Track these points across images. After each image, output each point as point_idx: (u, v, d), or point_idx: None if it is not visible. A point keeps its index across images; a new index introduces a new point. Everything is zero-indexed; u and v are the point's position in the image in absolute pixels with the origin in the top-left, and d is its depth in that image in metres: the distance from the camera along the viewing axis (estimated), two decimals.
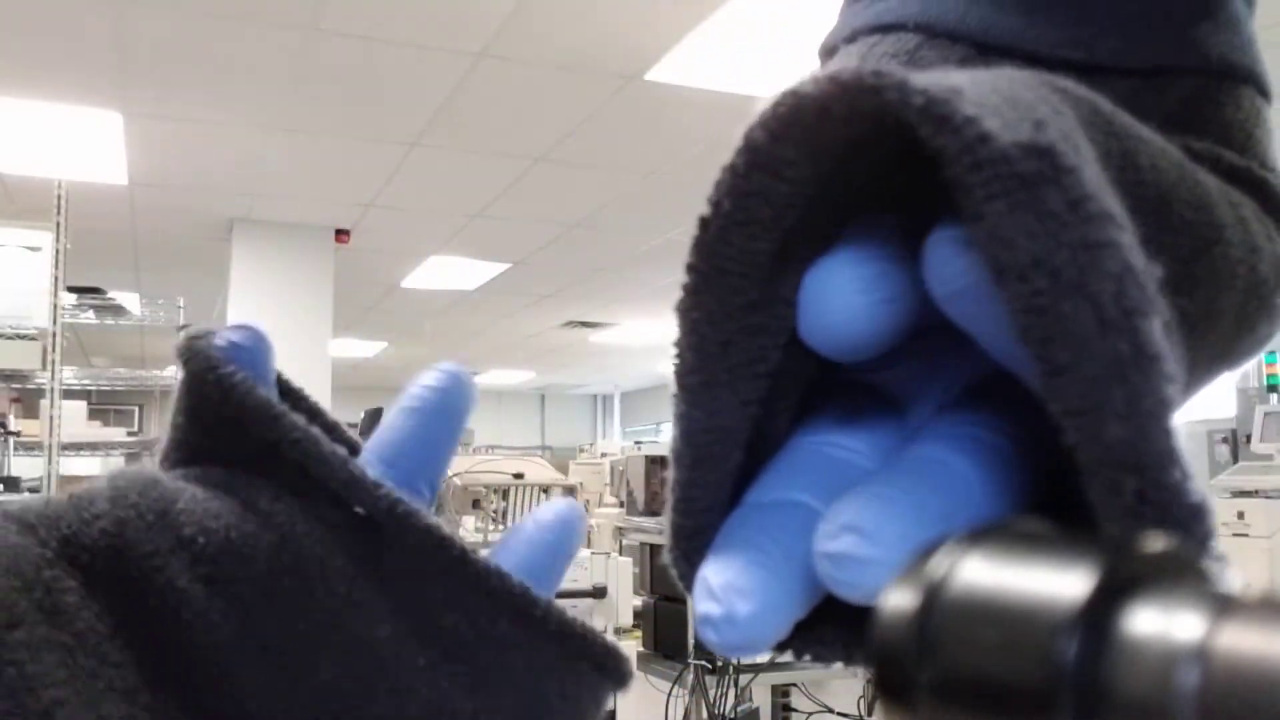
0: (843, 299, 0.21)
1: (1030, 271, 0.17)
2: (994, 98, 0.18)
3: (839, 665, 0.23)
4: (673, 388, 0.23)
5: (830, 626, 0.23)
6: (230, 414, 0.26)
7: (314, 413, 0.30)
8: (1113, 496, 0.17)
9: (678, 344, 0.22)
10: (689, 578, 0.23)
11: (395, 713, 0.25)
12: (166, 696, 0.24)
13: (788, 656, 0.23)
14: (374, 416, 4.30)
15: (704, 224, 0.21)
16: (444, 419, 0.30)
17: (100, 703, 0.23)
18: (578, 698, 0.27)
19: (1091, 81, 0.25)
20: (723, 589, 0.21)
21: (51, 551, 0.24)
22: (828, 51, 0.30)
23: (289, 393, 0.30)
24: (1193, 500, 0.17)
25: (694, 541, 0.23)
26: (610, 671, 0.27)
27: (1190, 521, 0.17)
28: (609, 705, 0.30)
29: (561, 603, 0.28)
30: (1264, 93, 0.27)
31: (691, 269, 0.22)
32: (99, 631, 0.24)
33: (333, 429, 0.30)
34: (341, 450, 0.26)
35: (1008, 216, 0.17)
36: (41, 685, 0.23)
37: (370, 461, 0.28)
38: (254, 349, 0.27)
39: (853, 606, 0.22)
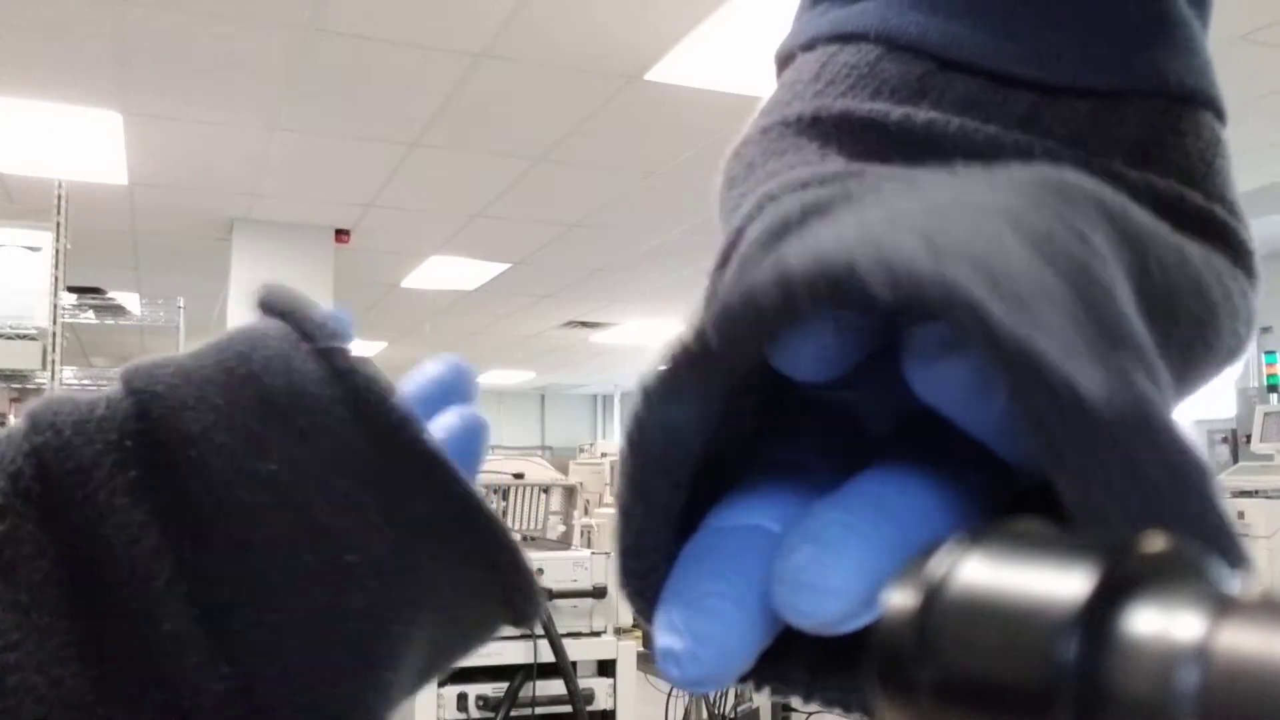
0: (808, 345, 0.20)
1: (1110, 513, 0.17)
2: (1067, 322, 0.17)
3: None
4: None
5: (793, 664, 0.22)
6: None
7: None
8: None
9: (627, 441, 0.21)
10: (645, 610, 0.22)
11: (302, 593, 0.25)
12: (105, 638, 0.24)
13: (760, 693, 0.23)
14: None
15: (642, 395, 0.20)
16: (439, 406, 0.30)
17: (51, 665, 0.23)
18: (478, 601, 0.27)
19: (1052, 102, 0.25)
20: (685, 622, 0.20)
21: (2, 496, 0.24)
22: (785, 57, 0.29)
23: None
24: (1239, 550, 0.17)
25: (647, 579, 0.22)
26: (515, 590, 0.27)
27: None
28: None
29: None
30: (1221, 117, 0.27)
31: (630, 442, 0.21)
32: (55, 578, 0.24)
33: None
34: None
35: (1098, 472, 0.17)
36: None
37: None
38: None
39: (817, 643, 0.21)
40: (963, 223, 0.18)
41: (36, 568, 0.24)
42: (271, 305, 0.28)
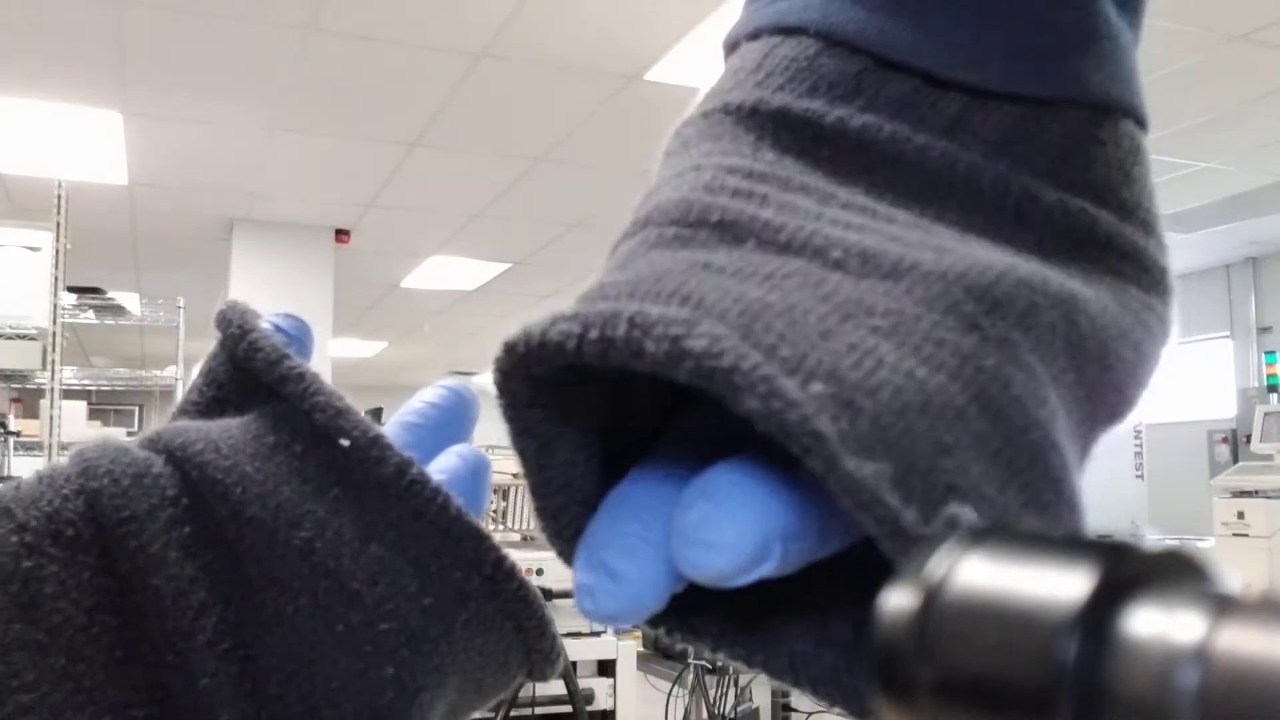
0: None
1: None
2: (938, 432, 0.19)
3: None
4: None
5: (706, 617, 0.24)
6: (241, 358, 0.29)
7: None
8: None
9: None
10: (565, 552, 0.23)
11: (336, 661, 0.25)
12: (131, 688, 0.24)
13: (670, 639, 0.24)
14: (374, 416, 4.30)
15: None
16: (445, 436, 0.30)
17: (65, 708, 0.23)
18: (501, 664, 0.28)
19: (982, 106, 0.26)
20: (602, 560, 0.21)
21: (31, 535, 0.24)
22: (731, 45, 0.30)
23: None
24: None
25: (559, 519, 0.23)
26: (537, 652, 0.28)
27: None
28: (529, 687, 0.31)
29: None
30: (1143, 125, 0.28)
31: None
32: (75, 623, 0.24)
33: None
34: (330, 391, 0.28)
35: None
36: (9, 690, 0.23)
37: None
38: (297, 334, 0.31)
39: (727, 597, 0.23)
40: (817, 330, 0.20)
41: (58, 609, 0.24)
42: (280, 377, 0.28)
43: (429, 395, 0.31)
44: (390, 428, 0.30)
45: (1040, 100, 0.26)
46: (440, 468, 0.30)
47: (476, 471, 0.30)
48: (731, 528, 0.20)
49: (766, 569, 0.20)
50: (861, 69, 0.26)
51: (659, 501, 0.22)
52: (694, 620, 0.24)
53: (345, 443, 0.26)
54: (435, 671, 0.26)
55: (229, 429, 0.27)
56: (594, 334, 0.19)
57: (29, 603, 0.24)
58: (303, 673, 0.25)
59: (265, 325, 0.29)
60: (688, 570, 0.20)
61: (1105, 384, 0.23)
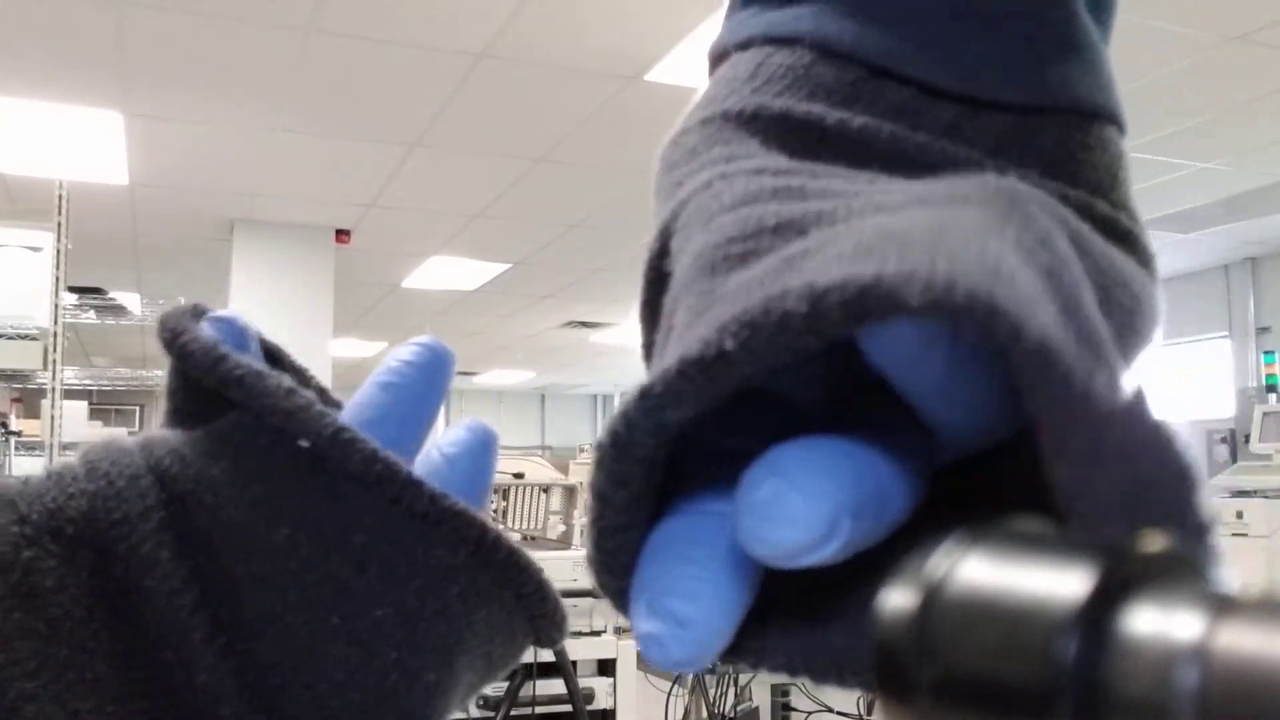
0: None
1: (1113, 509, 0.18)
2: (1068, 326, 0.18)
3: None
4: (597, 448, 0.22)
5: (746, 636, 0.23)
6: (177, 361, 0.28)
7: (302, 376, 0.31)
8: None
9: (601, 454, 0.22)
10: (616, 590, 0.23)
11: (335, 651, 0.25)
12: (132, 680, 0.24)
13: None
14: None
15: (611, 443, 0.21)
16: (422, 393, 0.30)
17: (69, 697, 0.23)
18: (506, 634, 0.28)
19: (975, 115, 0.26)
20: (665, 607, 0.21)
21: (31, 528, 0.24)
22: (719, 55, 0.30)
23: (275, 359, 0.31)
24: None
25: (618, 558, 0.23)
26: (541, 617, 0.28)
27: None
28: (526, 654, 0.31)
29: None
30: (1123, 131, 0.28)
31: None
32: (75, 616, 0.24)
33: (321, 392, 0.30)
34: (288, 381, 0.27)
35: (1101, 471, 0.18)
36: (10, 677, 0.23)
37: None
38: (229, 326, 0.29)
39: (786, 616, 0.23)
40: (958, 237, 0.19)
41: (57, 602, 0.24)
42: (247, 390, 0.27)
43: (404, 353, 0.31)
44: (367, 388, 0.30)
45: (1030, 108, 0.27)
46: (450, 440, 0.29)
47: (485, 444, 0.30)
48: (803, 503, 0.20)
49: (834, 546, 0.20)
50: (857, 78, 0.27)
51: (706, 539, 0.22)
52: (760, 641, 0.23)
53: (304, 443, 0.26)
54: (436, 651, 0.26)
55: (197, 436, 0.27)
56: (838, 296, 0.18)
57: (29, 592, 0.24)
58: (303, 666, 0.25)
59: (203, 327, 0.28)
60: (758, 549, 0.20)
61: (1124, 310, 0.23)
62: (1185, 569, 0.14)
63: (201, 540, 0.25)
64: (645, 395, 0.21)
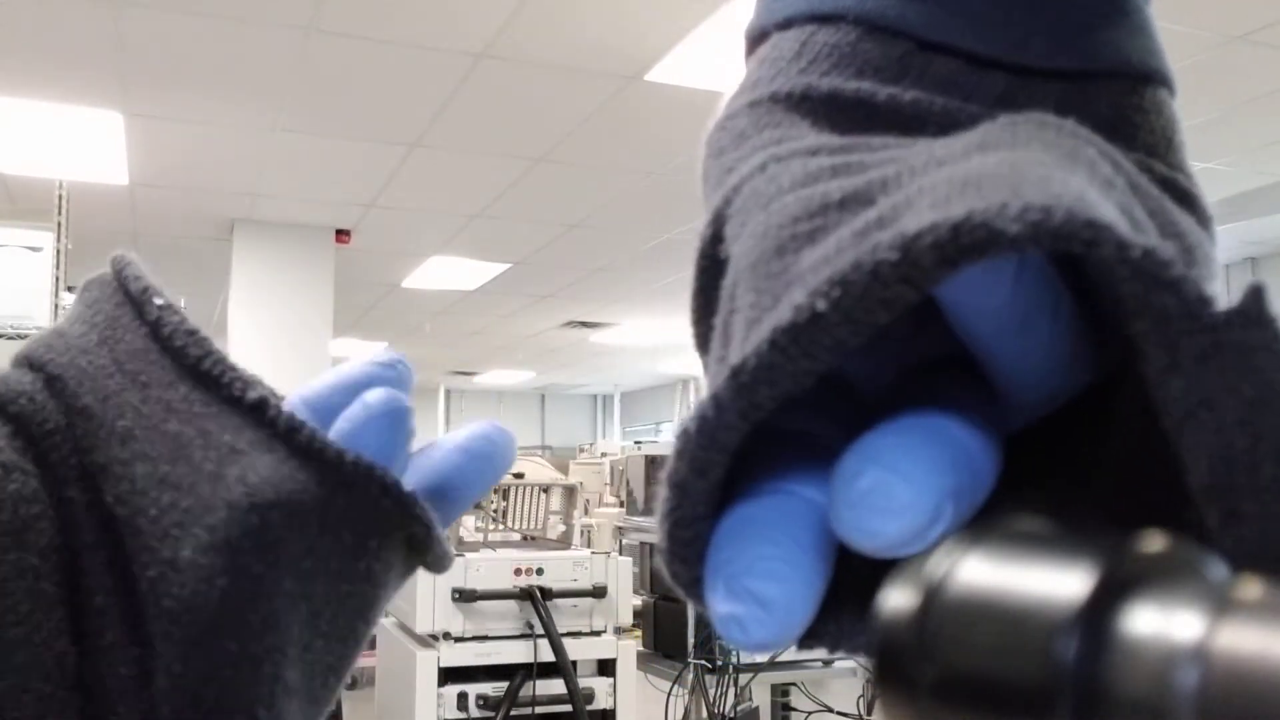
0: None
1: (1232, 431, 0.17)
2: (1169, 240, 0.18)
3: (838, 664, 0.23)
4: (679, 427, 0.22)
5: (846, 619, 0.23)
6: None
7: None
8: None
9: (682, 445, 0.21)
10: (688, 579, 0.22)
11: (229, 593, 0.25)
12: (108, 605, 0.24)
13: (805, 653, 0.23)
14: None
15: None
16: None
17: (55, 640, 0.23)
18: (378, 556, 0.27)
19: (1026, 84, 0.26)
20: (745, 587, 0.21)
21: (7, 454, 0.24)
22: (758, 35, 0.29)
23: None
24: None
25: (692, 547, 0.22)
26: (419, 539, 0.27)
27: None
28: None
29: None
30: (1174, 93, 0.28)
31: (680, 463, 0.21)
32: (55, 544, 0.24)
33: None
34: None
35: (1218, 380, 0.17)
36: (6, 623, 0.23)
37: (295, 405, 0.29)
38: None
39: (860, 597, 0.22)
40: (1035, 173, 0.19)
41: (42, 530, 0.24)
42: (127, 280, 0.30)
43: (374, 359, 0.31)
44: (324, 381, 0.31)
45: (1082, 74, 0.26)
46: (346, 416, 0.29)
47: (382, 418, 0.28)
48: (907, 491, 0.19)
49: (937, 533, 0.19)
50: (905, 51, 0.26)
51: (781, 520, 0.21)
52: (836, 623, 0.23)
53: (151, 317, 0.28)
54: (252, 538, 0.25)
55: (70, 326, 0.28)
56: (930, 238, 0.18)
57: (21, 526, 0.23)
58: (152, 563, 0.24)
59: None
60: (863, 541, 0.19)
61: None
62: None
63: (86, 441, 0.26)
64: (736, 374, 0.20)
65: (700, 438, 0.21)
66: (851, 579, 0.22)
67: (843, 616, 0.23)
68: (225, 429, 0.26)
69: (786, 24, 0.28)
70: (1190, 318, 0.17)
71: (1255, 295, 0.17)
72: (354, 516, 0.27)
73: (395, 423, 0.29)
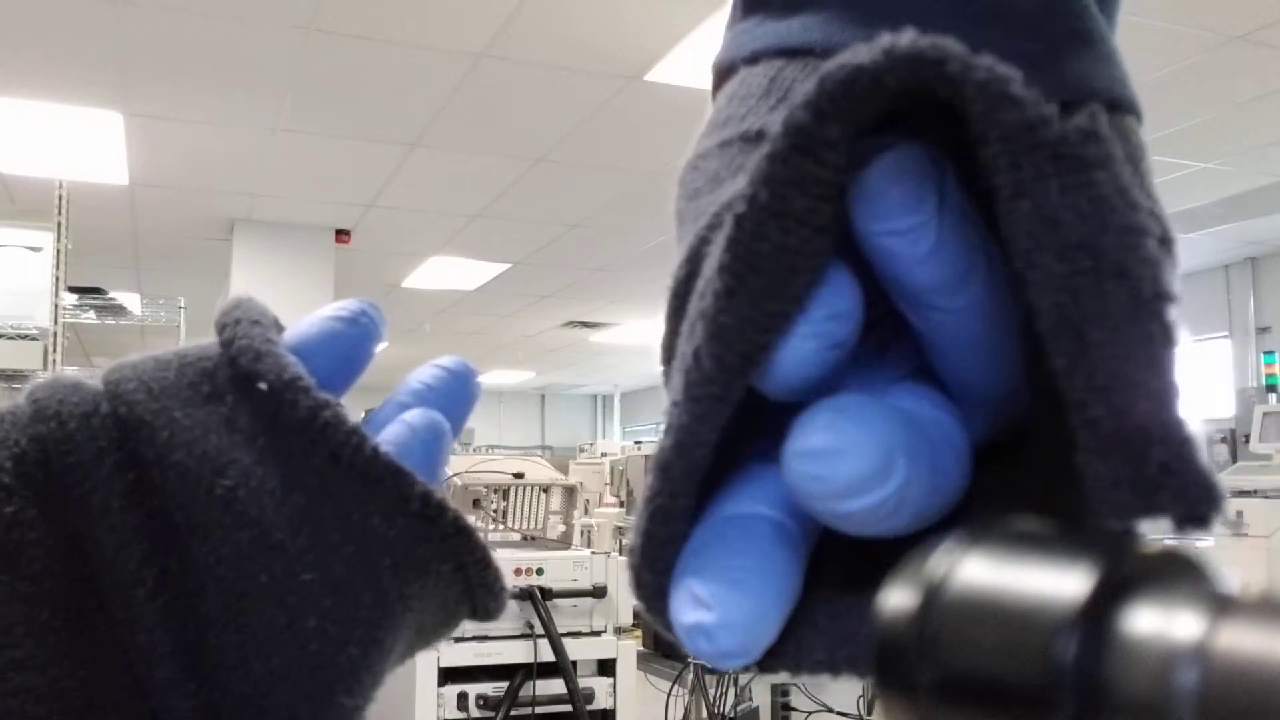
0: (792, 348, 0.21)
1: (1074, 252, 0.18)
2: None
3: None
4: (674, 395, 0.22)
5: (807, 635, 0.23)
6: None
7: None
8: (1135, 471, 0.18)
9: (696, 353, 0.22)
10: (653, 588, 0.22)
11: (264, 612, 0.25)
12: (89, 641, 0.24)
13: (781, 676, 0.23)
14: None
15: (739, 221, 0.21)
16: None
17: (50, 665, 0.23)
18: (440, 605, 0.27)
19: None
20: (713, 595, 0.21)
21: (8, 477, 0.24)
22: (725, 69, 0.29)
23: None
24: (1211, 479, 0.18)
25: (665, 550, 0.22)
26: (481, 588, 0.27)
27: (1204, 500, 0.18)
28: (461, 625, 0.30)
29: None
30: (1141, 122, 0.29)
31: (726, 270, 0.21)
32: (53, 573, 0.24)
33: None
34: (274, 334, 0.27)
35: (1059, 197, 0.18)
36: (1, 646, 0.23)
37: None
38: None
39: (827, 622, 0.23)
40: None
41: (35, 556, 0.23)
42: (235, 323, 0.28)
43: (425, 376, 0.31)
44: (386, 406, 0.30)
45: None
46: (387, 438, 0.29)
47: (426, 442, 0.29)
48: (856, 430, 0.19)
49: (891, 487, 0.19)
50: None
51: (750, 536, 0.22)
52: (803, 647, 0.23)
53: (263, 386, 0.26)
54: (364, 625, 0.25)
55: (166, 372, 0.27)
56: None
57: (13, 550, 0.23)
58: (232, 624, 0.24)
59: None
60: (812, 487, 0.20)
61: None
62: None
63: (151, 486, 0.25)
64: (754, 200, 0.20)
65: (679, 459, 0.22)
66: (815, 599, 0.23)
67: (803, 634, 0.23)
68: (351, 501, 0.26)
69: (754, 59, 0.28)
70: (1031, 131, 0.18)
71: (1092, 115, 0.19)
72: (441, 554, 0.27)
73: (441, 446, 0.29)
